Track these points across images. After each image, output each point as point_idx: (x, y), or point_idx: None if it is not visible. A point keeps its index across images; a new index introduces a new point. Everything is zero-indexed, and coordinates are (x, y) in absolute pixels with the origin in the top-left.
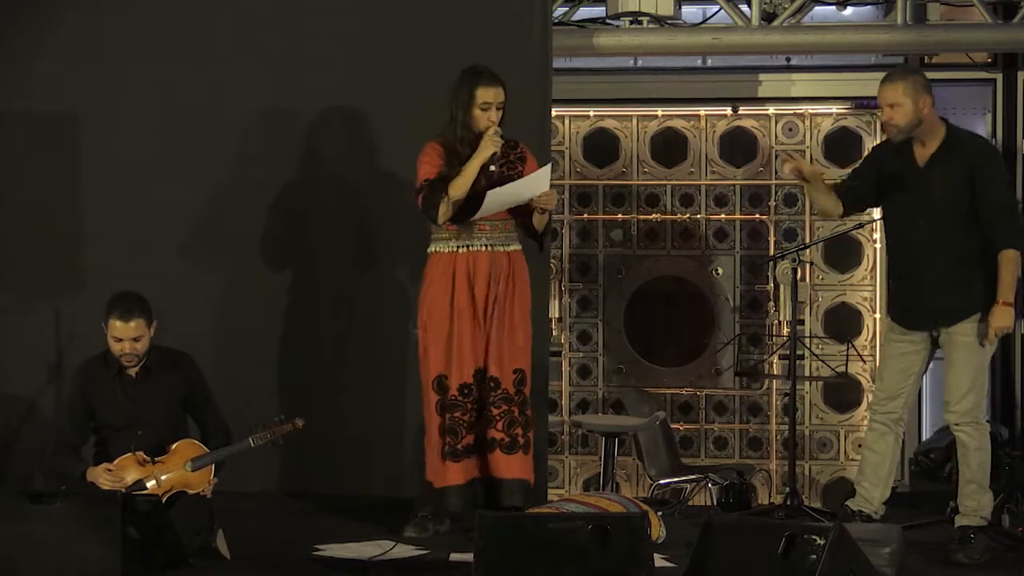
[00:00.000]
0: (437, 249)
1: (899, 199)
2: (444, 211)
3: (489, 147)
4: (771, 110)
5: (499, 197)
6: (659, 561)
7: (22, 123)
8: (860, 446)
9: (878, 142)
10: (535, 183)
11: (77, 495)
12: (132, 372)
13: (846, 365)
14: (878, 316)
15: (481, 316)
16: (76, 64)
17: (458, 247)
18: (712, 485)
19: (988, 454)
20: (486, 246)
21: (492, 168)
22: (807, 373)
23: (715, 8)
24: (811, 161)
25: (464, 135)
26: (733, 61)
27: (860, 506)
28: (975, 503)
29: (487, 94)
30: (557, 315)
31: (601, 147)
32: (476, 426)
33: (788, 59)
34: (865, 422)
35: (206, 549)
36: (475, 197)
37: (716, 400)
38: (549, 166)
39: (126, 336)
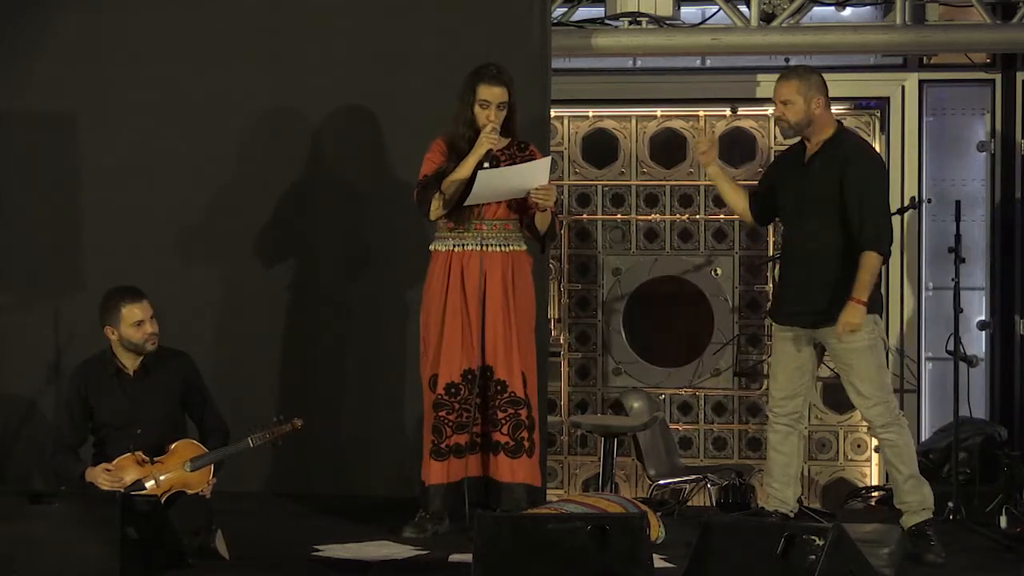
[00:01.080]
0: (436, 247)
1: (785, 195)
2: (436, 208)
3: (484, 144)
4: (770, 110)
5: (492, 181)
6: (658, 562)
7: (22, 123)
8: (859, 446)
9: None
10: (531, 173)
11: (76, 495)
12: (131, 371)
13: None
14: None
15: (472, 316)
16: (76, 64)
17: (454, 246)
18: (711, 485)
19: (913, 445)
20: (480, 245)
21: (486, 165)
22: None
23: (714, 9)
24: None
25: (465, 132)
26: (732, 62)
27: (776, 507)
28: (919, 496)
29: (486, 92)
30: (556, 315)
31: (600, 147)
32: (468, 427)
33: (787, 59)
34: (864, 423)
35: (205, 549)
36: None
37: (715, 400)
38: (548, 159)
39: (146, 315)
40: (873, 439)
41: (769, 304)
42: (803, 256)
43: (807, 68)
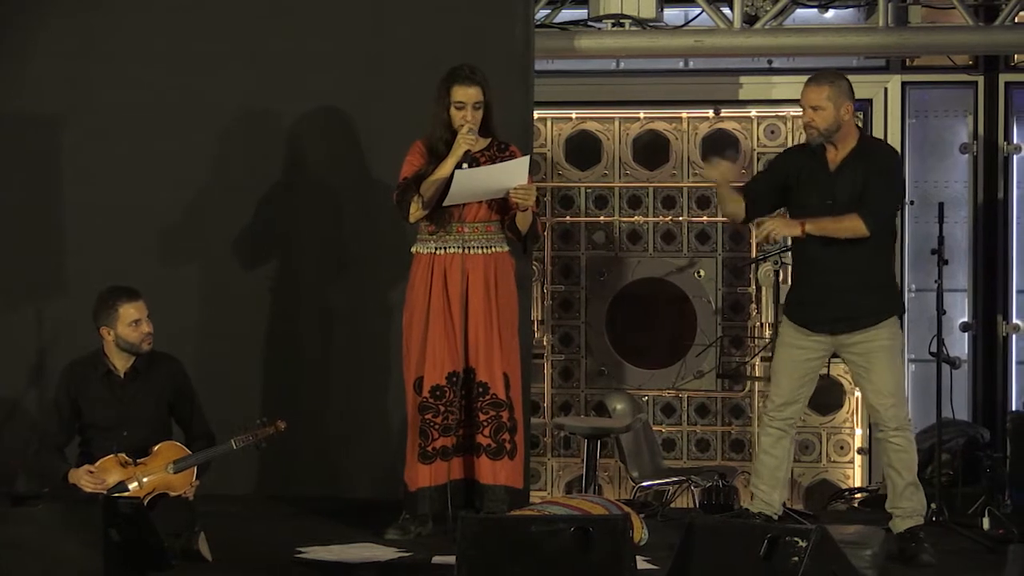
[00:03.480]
0: (418, 250)
1: (807, 201)
2: (415, 210)
3: (462, 146)
4: (753, 112)
5: (470, 181)
6: (641, 563)
7: (6, 124)
8: (842, 448)
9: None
10: (510, 173)
11: (59, 497)
12: (121, 373)
13: (828, 367)
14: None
15: (455, 318)
16: (61, 65)
17: (436, 248)
18: (694, 487)
19: (916, 452)
20: (462, 247)
21: (464, 165)
22: None
23: (697, 11)
24: None
25: (443, 134)
26: (715, 63)
27: (761, 509)
28: (915, 503)
29: (460, 93)
30: (539, 317)
31: (583, 149)
32: (454, 429)
33: (770, 61)
34: (847, 424)
35: (188, 551)
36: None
37: (698, 402)
38: (527, 158)
39: (142, 315)
40: (856, 441)
41: (788, 308)
42: (827, 261)
43: (836, 73)
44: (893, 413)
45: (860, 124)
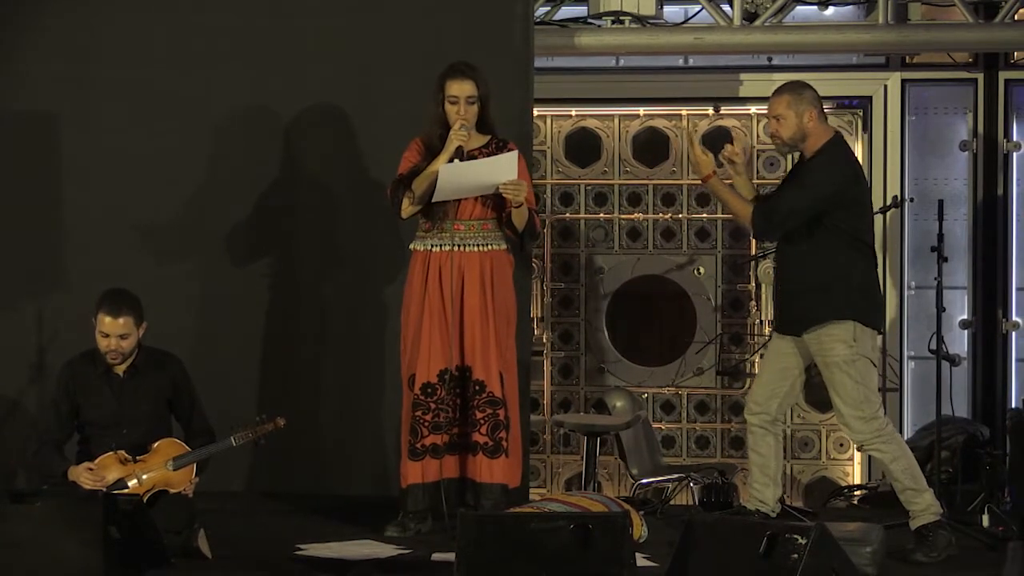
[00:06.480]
0: (415, 247)
1: None
2: (406, 206)
3: (454, 141)
4: (753, 110)
5: (457, 176)
6: (641, 561)
7: (4, 122)
8: (842, 445)
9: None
10: (498, 168)
11: (58, 495)
12: (119, 370)
13: None
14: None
15: (448, 316)
16: (58, 63)
17: (431, 246)
18: (694, 484)
19: (909, 455)
20: (457, 246)
21: (456, 161)
22: None
23: (697, 8)
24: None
25: (438, 131)
26: (715, 61)
27: (756, 506)
28: (920, 504)
29: (454, 88)
30: (539, 314)
31: (583, 147)
32: (445, 427)
33: (770, 59)
34: None
35: (188, 548)
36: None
37: (698, 399)
38: (515, 153)
39: (113, 332)
40: None
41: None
42: (781, 265)
43: (799, 83)
44: (860, 427)
45: (841, 126)
